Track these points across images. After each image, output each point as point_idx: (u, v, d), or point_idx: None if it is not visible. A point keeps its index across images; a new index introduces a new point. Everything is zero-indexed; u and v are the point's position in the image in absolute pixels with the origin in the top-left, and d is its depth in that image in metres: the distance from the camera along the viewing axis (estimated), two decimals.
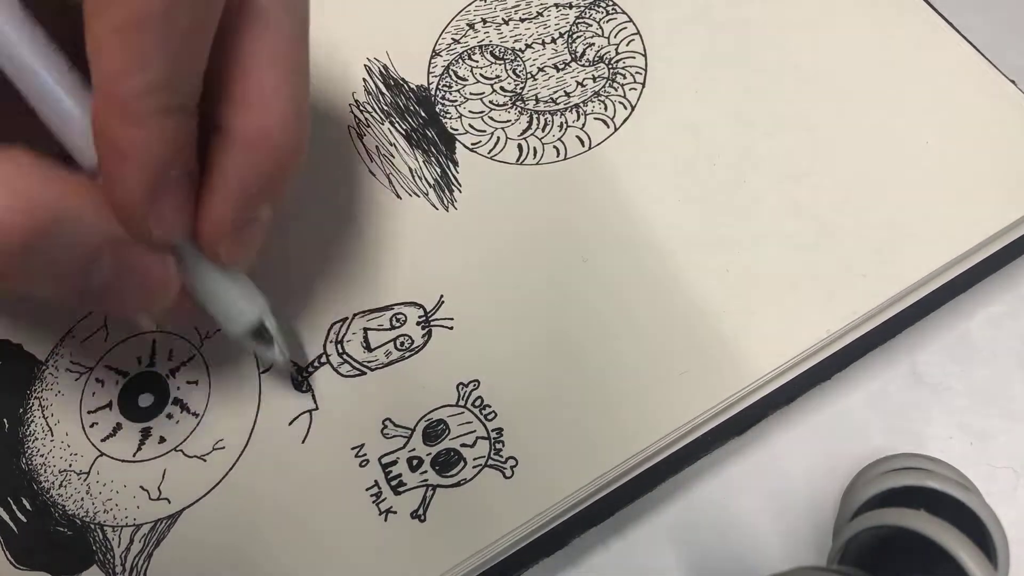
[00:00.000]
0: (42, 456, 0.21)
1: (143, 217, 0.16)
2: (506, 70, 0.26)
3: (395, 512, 0.20)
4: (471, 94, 0.26)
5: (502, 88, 0.26)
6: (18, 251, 0.14)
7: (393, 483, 0.20)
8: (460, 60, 0.26)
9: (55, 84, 0.15)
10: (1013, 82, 0.25)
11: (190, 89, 0.15)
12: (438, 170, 0.25)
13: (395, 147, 0.25)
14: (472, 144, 0.25)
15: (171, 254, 0.17)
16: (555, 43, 0.27)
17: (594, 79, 0.26)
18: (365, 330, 0.22)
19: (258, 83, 0.16)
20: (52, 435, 0.21)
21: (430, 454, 0.21)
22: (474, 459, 0.21)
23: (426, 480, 0.20)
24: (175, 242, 0.17)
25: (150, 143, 0.15)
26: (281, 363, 0.21)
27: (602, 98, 0.26)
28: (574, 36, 0.27)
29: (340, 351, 0.22)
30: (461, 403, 0.21)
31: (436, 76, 0.26)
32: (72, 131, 0.16)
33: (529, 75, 0.26)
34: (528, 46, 0.27)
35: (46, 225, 0.14)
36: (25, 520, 0.20)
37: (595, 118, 0.25)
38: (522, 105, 0.26)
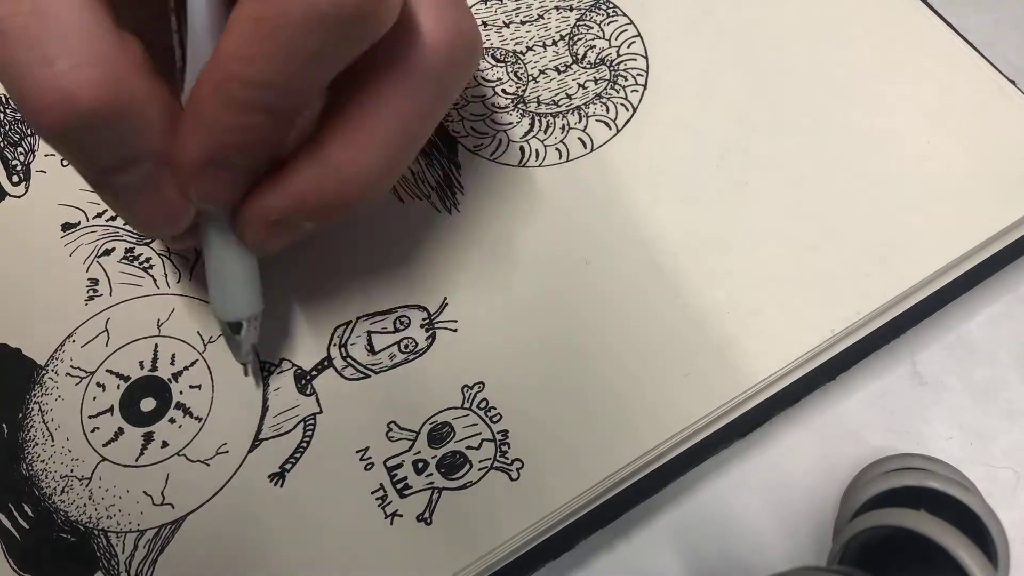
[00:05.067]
0: (43, 462, 0.21)
1: (187, 179, 0.16)
2: (507, 73, 0.26)
3: (401, 516, 0.20)
4: (472, 97, 0.26)
5: (504, 91, 0.26)
6: (86, 115, 0.14)
7: (399, 486, 0.20)
8: None
9: (204, 20, 0.16)
10: (1013, 82, 0.25)
11: (292, 103, 0.15)
12: (440, 173, 0.25)
13: None
14: (474, 147, 0.25)
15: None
16: (556, 45, 0.27)
17: (596, 81, 0.26)
18: (369, 333, 0.22)
19: (366, 121, 0.16)
20: (53, 440, 0.21)
21: (435, 457, 0.21)
22: (480, 461, 0.21)
23: (432, 483, 0.20)
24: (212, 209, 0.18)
25: (227, 128, 0.15)
26: (239, 361, 0.21)
27: (604, 100, 0.26)
28: (575, 38, 0.27)
29: (344, 354, 0.22)
30: (466, 405, 0.21)
31: None
32: (191, 67, 0.16)
33: (531, 77, 0.26)
34: (529, 48, 0.27)
35: (118, 104, 0.15)
36: (27, 527, 0.20)
37: (597, 120, 0.25)
38: (524, 107, 0.26)
